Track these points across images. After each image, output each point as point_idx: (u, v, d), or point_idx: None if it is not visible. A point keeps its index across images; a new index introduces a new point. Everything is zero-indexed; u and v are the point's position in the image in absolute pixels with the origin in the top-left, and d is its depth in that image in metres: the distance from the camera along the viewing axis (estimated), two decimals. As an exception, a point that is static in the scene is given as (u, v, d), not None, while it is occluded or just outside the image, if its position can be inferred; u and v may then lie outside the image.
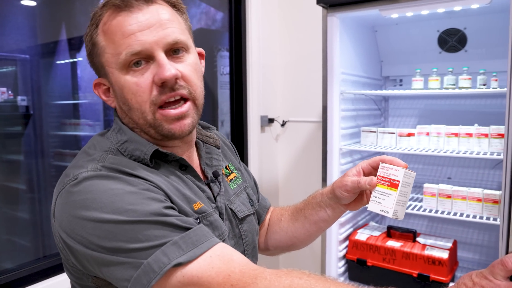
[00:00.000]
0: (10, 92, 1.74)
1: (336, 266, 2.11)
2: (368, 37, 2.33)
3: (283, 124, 2.93)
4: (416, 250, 1.96)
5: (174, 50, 0.81)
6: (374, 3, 1.82)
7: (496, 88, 1.80)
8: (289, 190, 2.92)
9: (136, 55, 0.77)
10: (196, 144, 0.96)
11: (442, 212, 1.92)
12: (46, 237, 1.87)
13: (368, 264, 2.07)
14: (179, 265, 0.69)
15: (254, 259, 1.01)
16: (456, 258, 2.08)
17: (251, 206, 1.04)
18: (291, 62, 2.86)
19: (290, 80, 2.88)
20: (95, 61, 0.84)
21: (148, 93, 0.79)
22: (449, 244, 1.99)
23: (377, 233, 2.14)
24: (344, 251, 2.17)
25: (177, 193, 0.82)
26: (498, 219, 1.75)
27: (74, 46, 2.04)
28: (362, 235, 2.13)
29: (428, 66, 2.06)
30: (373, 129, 2.11)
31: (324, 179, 2.06)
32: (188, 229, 0.73)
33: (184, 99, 0.82)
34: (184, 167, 0.88)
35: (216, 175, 0.94)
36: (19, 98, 1.77)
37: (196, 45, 0.91)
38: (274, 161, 2.97)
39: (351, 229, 2.26)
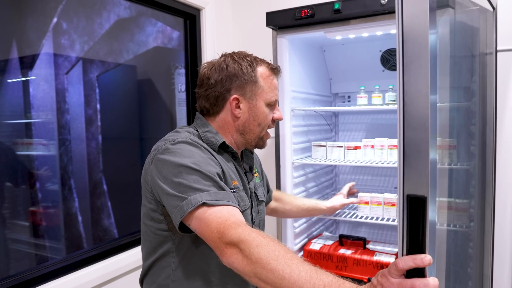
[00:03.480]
0: None
1: (292, 276, 2.19)
2: (317, 56, 2.47)
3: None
4: (366, 256, 2.08)
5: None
6: (319, 26, 1.96)
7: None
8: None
9: (275, 102, 1.35)
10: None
11: (388, 220, 2.05)
12: None
13: (322, 272, 2.16)
14: (204, 204, 1.06)
15: (262, 229, 1.44)
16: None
17: (264, 197, 1.52)
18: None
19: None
20: (246, 87, 1.29)
21: (269, 121, 1.35)
22: (396, 250, 2.12)
23: (330, 242, 2.25)
24: (299, 260, 2.26)
25: (226, 170, 1.25)
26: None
27: (26, 64, 2.03)
28: (316, 245, 2.23)
29: (374, 83, 2.21)
30: (323, 143, 2.24)
31: (278, 192, 2.15)
32: (223, 189, 1.12)
33: None
34: (235, 158, 1.35)
35: (250, 168, 1.44)
36: None
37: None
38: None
39: (306, 240, 2.35)
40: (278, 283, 0.90)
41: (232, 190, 1.22)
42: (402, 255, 0.79)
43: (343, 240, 2.22)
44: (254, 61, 1.31)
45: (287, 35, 2.07)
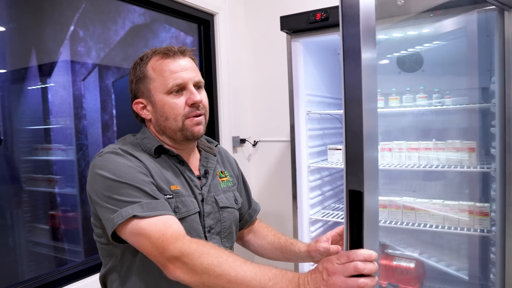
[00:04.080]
0: None
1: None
2: (332, 60, 2.45)
3: (254, 144, 3.01)
4: (384, 261, 2.05)
5: (197, 86, 1.22)
6: (334, 29, 1.94)
7: (450, 105, 1.93)
8: (262, 207, 2.98)
9: (177, 86, 1.18)
10: (200, 152, 1.35)
11: (407, 224, 2.02)
12: (18, 264, 1.88)
13: (340, 277, 2.14)
14: (136, 217, 1.02)
15: (229, 242, 1.32)
16: (423, 268, 2.17)
17: (235, 203, 1.37)
18: (259, 85, 2.96)
19: (260, 102, 2.98)
20: (141, 86, 1.21)
21: (182, 109, 1.19)
22: (416, 255, 2.08)
23: (347, 247, 2.22)
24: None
25: (161, 175, 1.17)
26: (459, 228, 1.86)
27: (44, 71, 2.08)
28: (333, 250, 2.21)
29: (390, 85, 2.19)
30: (339, 146, 2.22)
31: (294, 196, 2.13)
32: (155, 198, 1.07)
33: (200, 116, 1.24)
34: (181, 162, 1.25)
35: (206, 172, 1.31)
36: None
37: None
38: (247, 179, 3.03)
39: (323, 244, 2.33)
40: (227, 286, 0.93)
41: (169, 196, 1.15)
42: (348, 242, 0.84)
43: (361, 245, 2.19)
44: (148, 54, 1.23)
45: (301, 39, 2.06)
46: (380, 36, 2.03)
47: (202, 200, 1.25)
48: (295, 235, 2.13)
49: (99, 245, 1.22)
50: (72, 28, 2.16)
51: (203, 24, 2.75)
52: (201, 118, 1.23)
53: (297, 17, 2.02)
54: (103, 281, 1.25)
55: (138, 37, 2.56)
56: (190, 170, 1.27)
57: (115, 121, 2.46)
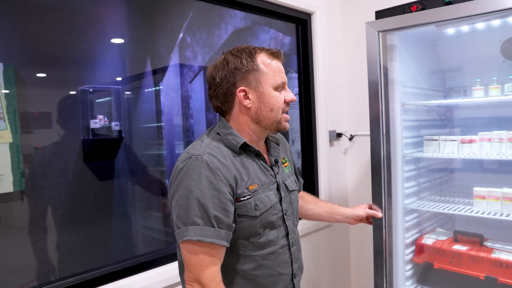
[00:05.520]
0: (106, 119, 1.99)
1: (403, 269, 2.20)
2: (430, 51, 2.44)
3: (351, 138, 3.07)
4: (482, 253, 2.01)
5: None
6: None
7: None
8: (358, 200, 3.04)
9: (282, 84, 1.37)
10: (266, 142, 1.50)
11: (508, 215, 1.95)
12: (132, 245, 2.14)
13: (435, 267, 2.14)
14: (190, 240, 1.20)
15: (297, 220, 1.52)
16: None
17: (297, 185, 1.58)
18: (355, 79, 3.02)
19: (356, 96, 3.03)
20: (250, 76, 1.32)
21: (282, 104, 1.37)
22: (518, 248, 2.01)
23: (443, 238, 2.21)
24: (411, 255, 2.26)
25: (243, 172, 1.32)
26: None
27: (157, 76, 2.24)
28: (428, 240, 2.21)
29: (492, 75, 2.12)
30: (435, 137, 2.21)
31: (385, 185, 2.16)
32: (213, 226, 1.21)
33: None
34: (258, 155, 1.40)
35: (276, 161, 1.47)
36: (113, 123, 2.02)
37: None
38: (343, 173, 3.11)
39: (418, 234, 2.34)
40: None
41: (248, 197, 1.31)
42: None
43: (458, 236, 2.17)
44: (253, 50, 1.34)
45: (396, 32, 2.09)
46: (479, 25, 1.99)
47: (278, 188, 1.42)
48: (389, 222, 2.16)
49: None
50: (181, 35, 2.33)
51: (301, 24, 2.87)
52: (289, 116, 1.41)
53: (392, 10, 2.05)
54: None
55: (239, 40, 2.68)
56: (265, 161, 1.42)
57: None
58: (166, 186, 2.29)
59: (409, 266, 2.26)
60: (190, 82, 2.43)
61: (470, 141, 2.09)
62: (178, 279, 1.48)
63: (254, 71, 1.32)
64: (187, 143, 2.42)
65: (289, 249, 1.43)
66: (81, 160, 1.88)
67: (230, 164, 1.30)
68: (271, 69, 1.34)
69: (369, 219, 1.97)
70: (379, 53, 2.08)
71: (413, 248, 2.26)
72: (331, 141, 2.99)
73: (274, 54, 1.36)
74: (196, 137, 2.44)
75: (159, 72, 2.26)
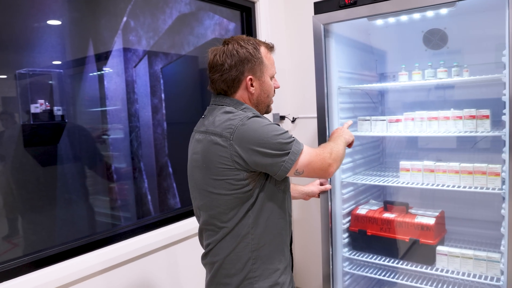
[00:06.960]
0: (47, 103, 1.95)
1: (341, 238, 2.45)
2: (363, 39, 2.68)
3: (293, 121, 3.27)
4: (408, 219, 2.29)
5: None
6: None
7: (465, 77, 2.14)
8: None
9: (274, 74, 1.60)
10: None
11: (427, 184, 2.24)
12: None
13: (368, 233, 2.41)
14: (302, 150, 1.44)
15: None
16: (444, 226, 2.40)
17: None
18: (297, 66, 3.21)
19: (298, 82, 3.22)
20: (257, 67, 1.51)
21: (273, 91, 1.60)
22: (436, 213, 2.31)
23: (375, 208, 2.48)
24: (347, 224, 2.51)
25: None
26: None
27: (100, 60, 2.23)
28: (362, 210, 2.47)
29: (417, 62, 2.37)
30: (367, 117, 2.45)
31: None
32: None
33: None
34: None
35: None
36: (55, 108, 1.98)
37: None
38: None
39: (354, 205, 2.60)
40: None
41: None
42: None
43: (387, 206, 2.45)
44: (256, 43, 1.53)
45: (336, 23, 2.27)
46: (403, 18, 2.23)
47: None
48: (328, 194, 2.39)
49: (233, 198, 1.44)
50: (125, 19, 2.32)
51: (245, 11, 3.00)
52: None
53: (328, 2, 2.24)
54: (232, 229, 1.47)
55: (184, 25, 2.71)
56: None
57: (164, 104, 2.61)
58: (112, 170, 2.32)
59: (346, 235, 2.51)
60: (135, 66, 2.44)
61: (397, 121, 2.35)
62: (121, 260, 1.64)
63: (260, 63, 1.52)
64: (132, 128, 2.43)
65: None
66: (21, 146, 1.83)
67: None
68: (270, 61, 1.57)
69: (319, 194, 2.16)
70: (324, 43, 2.28)
71: (349, 218, 2.52)
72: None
73: (271, 48, 1.60)
74: (141, 122, 2.47)
75: (102, 56, 2.24)
